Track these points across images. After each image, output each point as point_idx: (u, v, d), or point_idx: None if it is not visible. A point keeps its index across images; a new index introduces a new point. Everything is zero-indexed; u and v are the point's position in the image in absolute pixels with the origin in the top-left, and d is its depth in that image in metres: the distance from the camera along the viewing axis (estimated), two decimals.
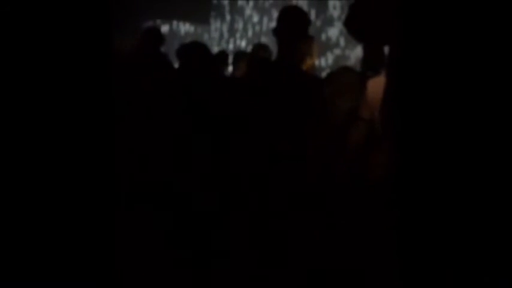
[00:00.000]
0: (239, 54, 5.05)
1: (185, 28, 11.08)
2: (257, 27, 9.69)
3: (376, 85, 3.12)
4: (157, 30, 4.37)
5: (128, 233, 2.94)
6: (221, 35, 10.66)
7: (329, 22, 8.22)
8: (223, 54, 5.26)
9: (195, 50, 3.37)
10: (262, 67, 3.33)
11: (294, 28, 2.93)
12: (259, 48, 4.65)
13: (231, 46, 10.19)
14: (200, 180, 3.16)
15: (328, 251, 2.98)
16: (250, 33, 9.86)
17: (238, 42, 10.13)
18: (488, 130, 1.57)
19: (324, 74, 7.77)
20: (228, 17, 10.58)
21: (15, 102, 1.77)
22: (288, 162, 2.90)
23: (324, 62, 8.17)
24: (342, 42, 7.99)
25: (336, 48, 8.12)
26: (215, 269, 3.00)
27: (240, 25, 10.16)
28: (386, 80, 1.94)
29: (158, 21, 10.48)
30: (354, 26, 2.10)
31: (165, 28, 10.66)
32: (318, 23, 8.27)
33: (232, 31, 10.33)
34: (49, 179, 1.79)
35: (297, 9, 3.06)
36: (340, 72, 4.67)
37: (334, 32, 8.14)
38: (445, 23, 1.61)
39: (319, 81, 3.40)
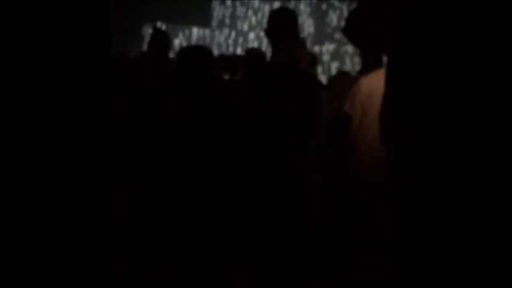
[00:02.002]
0: (237, 58, 5.08)
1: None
2: (259, 15, 9.72)
3: (369, 82, 3.24)
4: (165, 34, 4.39)
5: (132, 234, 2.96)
6: (223, 20, 10.70)
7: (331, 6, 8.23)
8: (223, 58, 5.29)
9: (196, 54, 3.38)
10: (260, 68, 3.41)
11: (284, 28, 3.06)
12: (253, 52, 4.69)
13: (233, 34, 10.22)
14: (200, 180, 3.18)
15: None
16: (253, 20, 9.90)
17: (240, 27, 10.18)
18: (488, 134, 1.57)
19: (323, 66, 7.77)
20: (229, 2, 10.63)
21: (14, 103, 1.77)
22: (287, 160, 2.95)
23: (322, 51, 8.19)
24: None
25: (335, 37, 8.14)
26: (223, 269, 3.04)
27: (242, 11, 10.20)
28: (385, 87, 1.95)
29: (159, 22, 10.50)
30: (353, 33, 2.12)
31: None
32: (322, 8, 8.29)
33: (233, 17, 10.36)
34: (48, 180, 1.79)
35: (285, 10, 3.20)
36: (338, 77, 4.79)
37: (334, 20, 8.16)
38: (444, 31, 1.61)
39: (315, 80, 3.47)
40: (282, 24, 3.05)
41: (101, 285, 1.80)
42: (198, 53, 3.36)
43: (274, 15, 3.12)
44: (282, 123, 2.94)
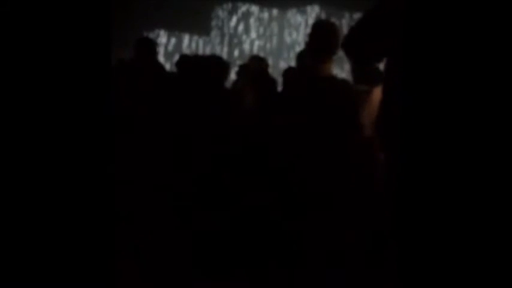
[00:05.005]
0: (243, 67, 5.10)
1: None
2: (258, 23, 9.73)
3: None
4: (150, 40, 4.44)
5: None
6: (222, 29, 10.73)
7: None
8: (224, 65, 5.30)
9: (196, 62, 3.41)
10: (298, 80, 3.49)
11: (326, 42, 3.08)
12: (257, 60, 4.69)
13: (232, 42, 10.23)
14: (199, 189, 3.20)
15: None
16: (252, 28, 9.92)
17: (238, 36, 10.20)
18: (489, 142, 1.58)
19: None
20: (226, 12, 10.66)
21: (13, 105, 1.77)
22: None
23: None
24: None
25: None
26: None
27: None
28: (382, 95, 1.97)
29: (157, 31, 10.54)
30: (352, 49, 2.13)
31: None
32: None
33: (231, 26, 10.40)
34: (49, 186, 1.80)
35: (327, 24, 3.21)
36: None
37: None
38: (446, 46, 1.63)
39: (353, 91, 3.53)
40: (323, 37, 3.07)
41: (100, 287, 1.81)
42: (197, 61, 3.39)
43: (316, 28, 3.14)
44: (322, 133, 2.99)
